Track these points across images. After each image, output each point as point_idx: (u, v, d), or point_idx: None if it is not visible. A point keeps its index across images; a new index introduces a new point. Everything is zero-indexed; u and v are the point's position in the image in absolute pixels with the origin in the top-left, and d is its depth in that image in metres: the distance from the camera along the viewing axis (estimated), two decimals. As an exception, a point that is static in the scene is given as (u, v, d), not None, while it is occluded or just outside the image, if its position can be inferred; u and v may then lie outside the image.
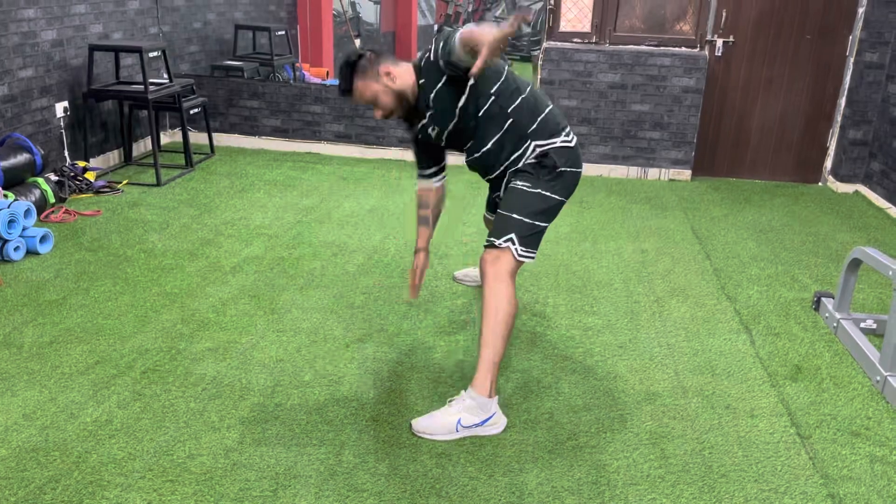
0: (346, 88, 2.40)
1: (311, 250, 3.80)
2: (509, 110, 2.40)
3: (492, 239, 2.38)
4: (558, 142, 2.43)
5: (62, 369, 2.59)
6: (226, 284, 3.34)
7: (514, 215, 2.38)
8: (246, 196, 4.63)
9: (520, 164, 2.46)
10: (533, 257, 2.42)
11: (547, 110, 2.47)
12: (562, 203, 2.48)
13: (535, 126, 2.42)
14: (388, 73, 2.36)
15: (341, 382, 2.59)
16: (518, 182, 2.44)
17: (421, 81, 2.38)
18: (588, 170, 5.45)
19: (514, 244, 2.35)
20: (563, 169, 2.43)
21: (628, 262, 3.81)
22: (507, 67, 2.46)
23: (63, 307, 3.06)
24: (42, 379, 2.53)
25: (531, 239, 2.40)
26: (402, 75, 2.39)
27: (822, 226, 4.47)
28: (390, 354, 2.80)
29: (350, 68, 2.37)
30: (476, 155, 2.52)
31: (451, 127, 2.44)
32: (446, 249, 3.86)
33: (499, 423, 2.34)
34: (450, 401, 2.37)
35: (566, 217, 4.46)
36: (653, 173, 5.42)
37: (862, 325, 3.05)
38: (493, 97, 2.37)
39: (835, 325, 3.08)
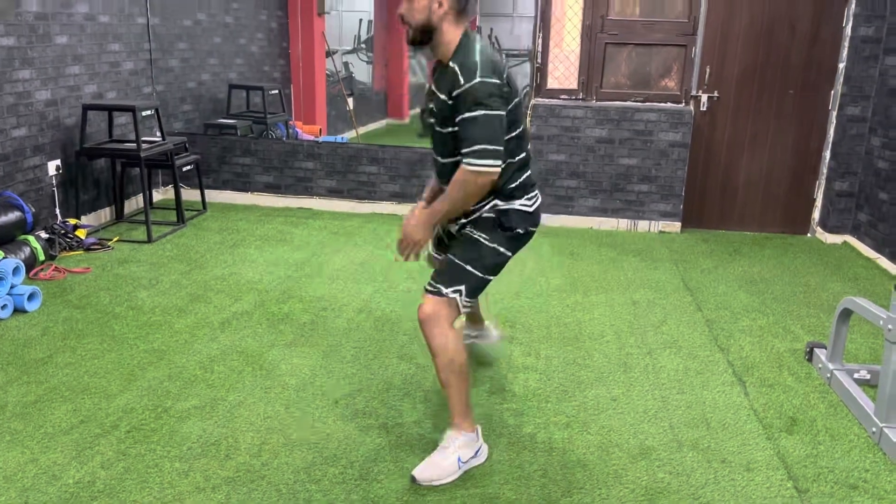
0: None
1: (301, 305, 3.78)
2: None
3: (439, 286, 2.32)
4: (517, 204, 2.37)
5: (45, 429, 2.54)
6: (214, 341, 3.31)
7: (469, 267, 2.33)
8: (237, 251, 4.63)
9: (474, 216, 2.40)
10: (470, 307, 2.41)
11: (522, 172, 2.38)
12: (509, 258, 2.43)
13: (501, 182, 2.33)
14: (440, 4, 2.22)
15: (330, 440, 2.54)
16: (476, 231, 2.37)
17: (438, 74, 2.33)
18: (578, 222, 5.49)
19: (461, 296, 2.32)
20: (520, 231, 2.39)
21: (620, 313, 3.80)
22: (516, 100, 2.31)
23: (49, 365, 3.01)
24: (24, 439, 2.48)
25: (477, 291, 2.38)
26: (449, 27, 2.25)
27: (812, 277, 4.49)
28: (380, 410, 2.75)
29: None
30: (439, 163, 2.44)
31: (435, 121, 2.37)
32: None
33: (484, 451, 2.46)
34: (441, 444, 2.39)
35: (558, 270, 4.47)
36: (643, 225, 5.45)
37: (855, 375, 3.03)
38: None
39: (828, 375, 3.06)
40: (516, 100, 2.30)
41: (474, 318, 3.17)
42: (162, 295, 3.84)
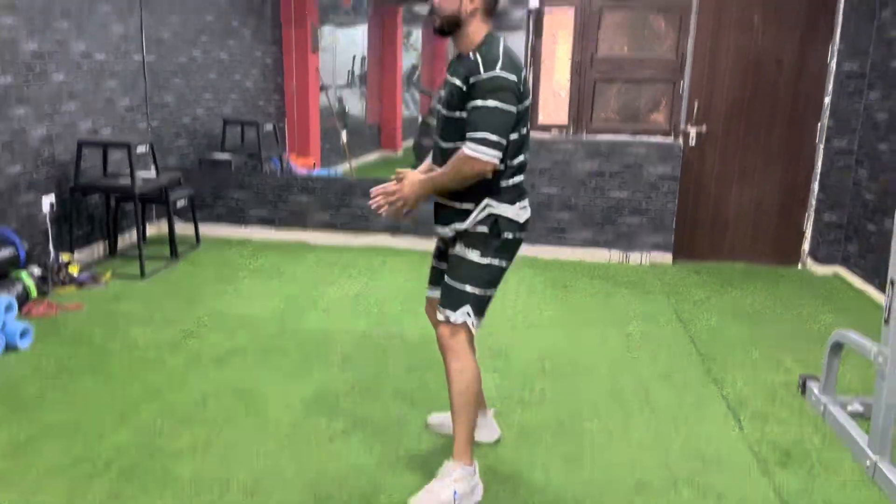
0: None
1: (295, 340, 3.78)
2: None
3: (447, 313, 2.37)
4: (508, 212, 2.37)
5: (37, 470, 2.52)
6: (207, 377, 3.29)
7: (468, 287, 2.36)
8: (230, 286, 4.63)
9: (467, 223, 2.38)
10: (480, 326, 2.45)
11: (518, 174, 2.41)
12: (507, 268, 2.45)
13: (500, 183, 2.35)
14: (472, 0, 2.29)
15: (324, 477, 2.53)
16: (468, 252, 2.39)
17: (454, 62, 2.39)
18: (570, 254, 5.52)
19: (469, 317, 2.37)
20: (509, 237, 2.39)
21: (614, 347, 3.81)
22: (527, 103, 2.36)
23: (41, 404, 3.00)
24: (15, 480, 2.45)
25: (483, 309, 2.43)
26: (477, 23, 2.32)
27: (804, 308, 4.52)
28: (375, 446, 2.74)
29: None
30: (439, 146, 2.44)
31: (443, 105, 2.40)
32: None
33: (479, 490, 2.44)
34: (439, 473, 2.41)
35: (551, 302, 4.48)
36: (634, 257, 5.49)
37: (849, 408, 3.04)
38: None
39: (822, 408, 3.07)
40: (527, 102, 2.35)
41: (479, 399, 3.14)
42: (155, 331, 3.83)
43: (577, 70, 5.43)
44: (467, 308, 2.36)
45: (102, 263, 5.03)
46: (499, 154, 2.23)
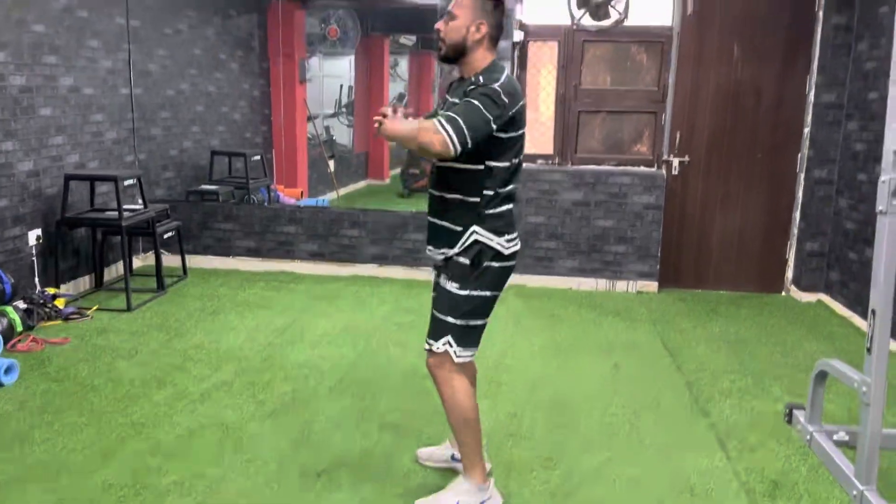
0: None
1: (283, 373, 3.76)
2: (481, 165, 2.35)
3: (430, 343, 2.44)
4: (495, 242, 2.38)
5: (20, 510, 2.49)
6: (194, 412, 3.27)
7: (448, 318, 2.41)
8: (217, 318, 4.62)
9: (455, 249, 2.39)
10: (471, 355, 2.47)
11: (506, 203, 2.42)
12: (494, 297, 2.45)
13: (486, 210, 2.37)
14: (480, 27, 2.35)
15: (313, 515, 2.51)
16: (449, 283, 2.41)
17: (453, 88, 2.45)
18: (557, 283, 5.55)
19: (451, 346, 2.41)
20: (489, 264, 2.39)
21: (603, 376, 3.83)
22: (521, 132, 2.40)
23: (25, 442, 2.96)
24: (-2, 521, 2.42)
25: (468, 339, 2.44)
26: (482, 51, 2.38)
27: (789, 336, 4.56)
28: (362, 484, 2.73)
29: None
30: (434, 164, 2.46)
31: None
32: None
33: (495, 500, 2.54)
34: (448, 485, 2.52)
35: (539, 332, 4.50)
36: (620, 286, 5.53)
37: (835, 437, 3.05)
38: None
39: (808, 437, 3.08)
40: (521, 131, 2.39)
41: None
42: (141, 365, 3.81)
43: (562, 101, 5.51)
44: (448, 338, 2.41)
45: (89, 297, 5.00)
46: (459, 146, 2.20)
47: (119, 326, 4.41)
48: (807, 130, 5.25)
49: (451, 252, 2.41)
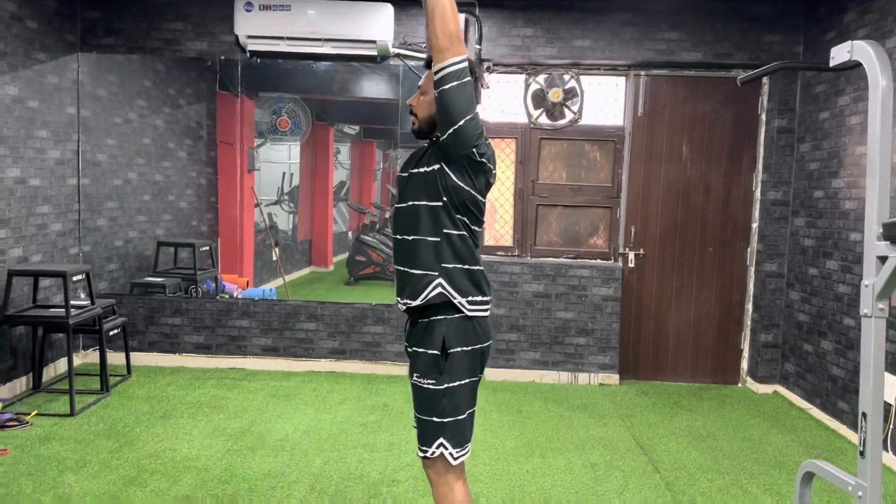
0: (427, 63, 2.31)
1: (247, 484, 3.52)
2: (447, 230, 2.29)
3: (424, 449, 2.30)
4: (460, 298, 2.27)
5: None
6: (157, 534, 3.00)
7: (435, 419, 2.28)
8: (169, 422, 4.33)
9: (417, 301, 2.29)
10: (468, 452, 2.35)
11: (474, 263, 2.33)
12: (476, 381, 2.35)
13: (453, 265, 2.28)
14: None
15: None
16: (423, 380, 2.29)
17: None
18: (520, 375, 5.49)
19: (446, 449, 2.28)
20: (457, 350, 2.27)
21: (580, 478, 3.73)
22: (483, 200, 2.37)
23: (-37, 578, 2.64)
24: None
25: (460, 435, 2.31)
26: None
27: (753, 430, 4.59)
28: None
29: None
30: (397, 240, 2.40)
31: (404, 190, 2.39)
32: (393, 474, 3.67)
33: None
34: None
35: (509, 430, 4.40)
36: (583, 378, 5.51)
37: (823, 539, 3.03)
38: (446, 197, 2.28)
39: (797, 540, 3.05)
40: (483, 200, 2.37)
41: None
42: (91, 479, 3.50)
43: (520, 195, 5.60)
44: (440, 440, 2.28)
45: (26, 399, 4.63)
46: (458, 58, 2.14)
47: (63, 434, 4.08)
48: (755, 226, 5.47)
49: (416, 303, 2.30)
